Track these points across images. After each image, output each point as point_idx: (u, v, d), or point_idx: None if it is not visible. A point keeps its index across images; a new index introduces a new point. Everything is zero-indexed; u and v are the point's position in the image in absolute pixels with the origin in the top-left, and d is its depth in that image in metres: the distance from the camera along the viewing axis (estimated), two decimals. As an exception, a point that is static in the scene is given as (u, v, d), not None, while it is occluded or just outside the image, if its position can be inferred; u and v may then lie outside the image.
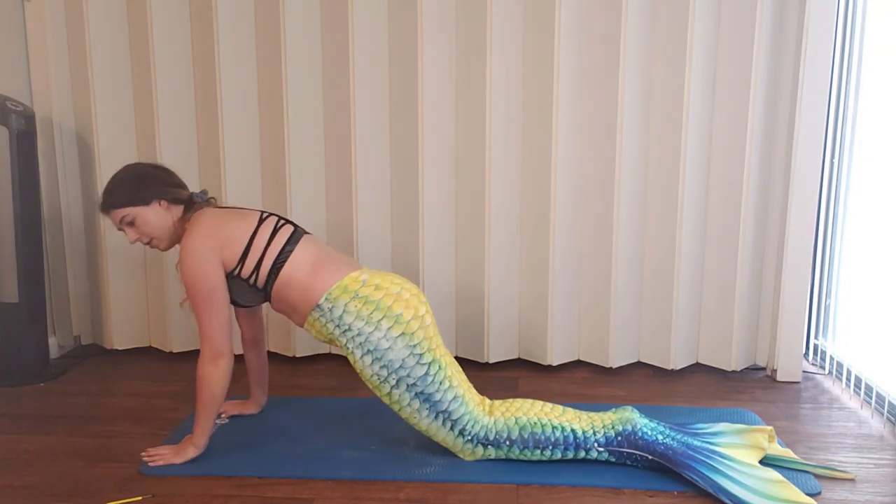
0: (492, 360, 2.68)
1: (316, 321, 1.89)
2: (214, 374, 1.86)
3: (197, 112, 2.68)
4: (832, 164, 2.62)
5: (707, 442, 1.85)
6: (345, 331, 1.85)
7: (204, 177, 2.72)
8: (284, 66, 2.54)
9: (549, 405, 1.94)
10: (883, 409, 2.24)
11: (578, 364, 2.72)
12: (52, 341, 2.75)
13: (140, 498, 1.73)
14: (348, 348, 1.86)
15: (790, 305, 2.51)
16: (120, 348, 2.84)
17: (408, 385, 1.84)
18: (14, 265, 2.49)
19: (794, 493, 1.68)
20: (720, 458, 1.78)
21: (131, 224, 1.94)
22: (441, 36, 2.51)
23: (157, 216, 1.95)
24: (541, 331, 2.64)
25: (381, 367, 1.84)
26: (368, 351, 1.84)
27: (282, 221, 1.99)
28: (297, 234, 1.97)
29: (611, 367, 2.64)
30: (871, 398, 2.32)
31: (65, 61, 2.70)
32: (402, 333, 1.83)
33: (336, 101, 2.59)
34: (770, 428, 1.93)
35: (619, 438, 1.84)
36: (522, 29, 2.51)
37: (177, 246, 2.00)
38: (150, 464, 1.89)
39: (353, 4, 2.49)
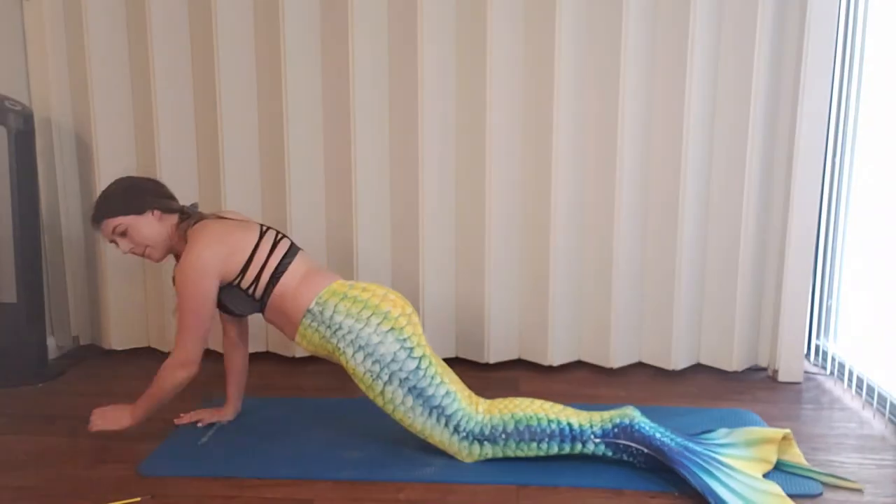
0: (492, 361, 2.68)
1: (307, 328, 1.92)
2: (175, 377, 1.92)
3: (196, 111, 2.68)
4: (833, 164, 2.61)
5: (709, 449, 1.83)
6: (335, 330, 1.88)
7: (203, 176, 2.71)
8: (284, 64, 2.53)
9: (548, 403, 1.93)
10: (885, 409, 2.23)
11: (579, 364, 2.71)
12: (51, 342, 2.75)
13: (139, 499, 1.73)
14: (340, 348, 1.88)
15: (791, 306, 2.50)
16: (118, 349, 2.83)
17: (400, 380, 1.85)
18: (12, 265, 2.48)
19: None
20: (719, 465, 1.77)
21: (124, 234, 1.96)
22: (441, 37, 2.51)
23: (150, 226, 1.97)
24: (541, 331, 2.63)
25: (374, 363, 1.85)
26: (360, 347, 1.86)
27: (280, 236, 2.04)
28: (294, 249, 2.03)
29: (611, 368, 2.63)
30: (872, 399, 2.31)
31: (63, 61, 2.69)
32: (392, 328, 1.88)
33: (335, 101, 2.58)
34: (787, 430, 1.92)
35: (616, 430, 1.84)
36: (523, 30, 2.50)
37: (170, 255, 2.05)
38: (90, 428, 1.94)
39: (353, 6, 2.49)
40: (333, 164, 2.64)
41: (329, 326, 1.89)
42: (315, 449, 1.99)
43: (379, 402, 1.89)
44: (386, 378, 1.86)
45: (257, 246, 1.96)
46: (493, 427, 1.86)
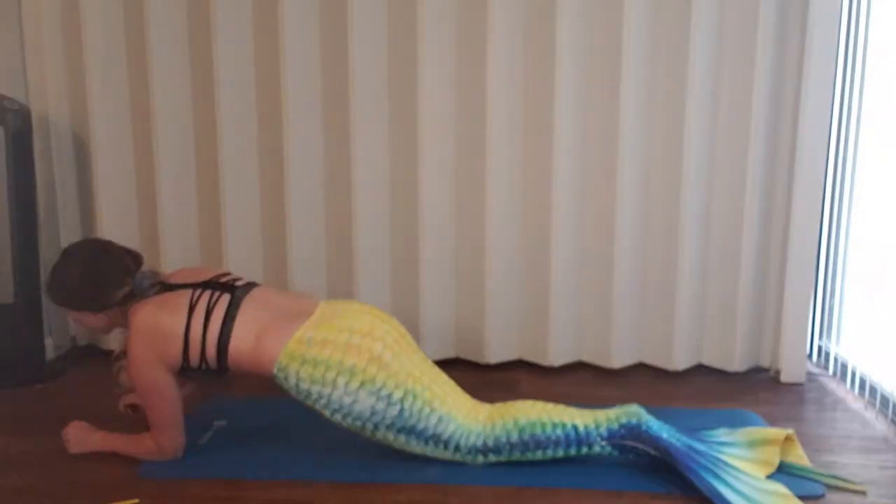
0: (492, 361, 2.66)
1: (281, 386, 1.86)
2: (153, 455, 1.90)
3: (194, 109, 2.67)
4: (836, 165, 2.60)
5: (714, 450, 1.82)
6: (306, 396, 1.82)
7: (201, 176, 2.70)
8: (282, 58, 2.52)
9: (551, 404, 1.91)
10: (888, 410, 2.22)
11: (580, 365, 2.70)
12: (49, 342, 2.73)
13: (137, 500, 1.72)
14: (318, 409, 1.84)
15: (794, 306, 2.49)
16: (116, 350, 2.81)
17: (386, 426, 1.82)
18: (9, 266, 2.47)
19: None
20: (724, 466, 1.76)
21: (73, 317, 1.98)
22: (441, 37, 2.50)
23: (88, 318, 1.94)
24: (542, 331, 2.62)
25: (354, 420, 1.82)
26: (335, 410, 1.81)
27: (217, 294, 1.89)
28: (236, 300, 1.87)
29: (613, 369, 2.62)
30: (875, 400, 2.30)
31: (61, 60, 2.68)
32: (362, 383, 1.78)
33: (335, 97, 2.57)
34: (790, 431, 1.91)
35: (623, 431, 1.82)
36: (523, 31, 2.49)
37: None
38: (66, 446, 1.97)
39: (352, 6, 2.48)
40: (333, 161, 2.63)
41: (298, 392, 1.82)
42: (314, 450, 1.98)
43: (374, 440, 1.88)
44: (372, 427, 1.83)
45: (189, 324, 1.83)
46: (496, 438, 1.84)
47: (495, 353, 2.67)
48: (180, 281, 1.95)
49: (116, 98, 2.67)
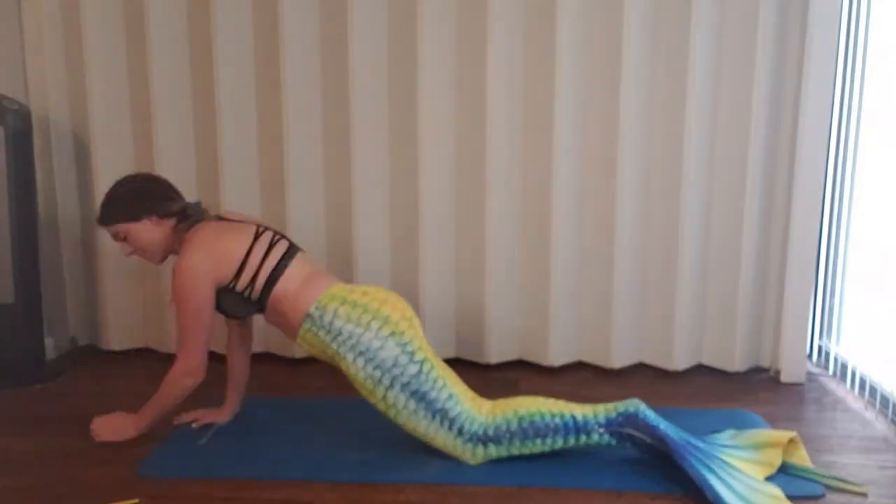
0: (493, 362, 2.67)
1: (307, 332, 1.91)
2: (182, 385, 1.96)
3: (194, 110, 2.67)
4: (836, 164, 2.60)
5: (713, 448, 1.82)
6: (336, 335, 1.87)
7: (201, 175, 2.71)
8: (282, 61, 2.52)
9: (551, 399, 1.93)
10: (888, 410, 2.22)
11: (580, 365, 2.70)
12: (49, 342, 2.72)
13: (137, 500, 1.72)
14: (340, 353, 1.87)
15: (794, 306, 2.49)
16: (116, 349, 2.82)
17: (402, 384, 1.84)
18: (9, 265, 2.47)
19: None
20: (720, 463, 1.76)
21: (125, 239, 2.00)
22: (441, 38, 2.50)
23: (148, 232, 1.99)
24: (542, 332, 2.62)
25: (375, 368, 1.85)
26: (360, 353, 1.85)
27: (277, 237, 2.03)
28: (292, 250, 2.02)
29: (613, 369, 2.62)
30: (875, 400, 2.30)
31: (61, 60, 2.68)
32: (393, 332, 1.87)
33: (335, 99, 2.58)
34: (794, 433, 1.91)
35: (621, 419, 1.83)
36: (523, 32, 2.49)
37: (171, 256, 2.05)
38: (96, 438, 2.01)
39: (353, 8, 2.48)
40: (333, 161, 2.63)
41: (329, 331, 1.88)
42: (315, 450, 1.98)
43: (381, 407, 1.88)
44: (388, 383, 1.85)
45: (251, 249, 1.95)
46: (496, 427, 1.85)
47: (495, 352, 2.67)
48: (238, 219, 2.08)
49: (116, 98, 2.68)
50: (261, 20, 2.57)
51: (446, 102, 2.55)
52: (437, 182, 2.59)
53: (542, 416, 1.85)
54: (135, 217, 1.98)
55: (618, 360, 2.61)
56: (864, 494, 1.76)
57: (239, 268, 1.93)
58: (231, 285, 1.93)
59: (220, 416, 2.16)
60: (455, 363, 2.66)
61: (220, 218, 2.08)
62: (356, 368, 1.86)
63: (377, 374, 1.85)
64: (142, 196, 2.01)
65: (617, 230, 2.52)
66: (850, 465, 1.91)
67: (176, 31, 2.61)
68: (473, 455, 1.87)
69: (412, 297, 2.61)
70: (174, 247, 2.02)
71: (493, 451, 1.87)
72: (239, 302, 1.96)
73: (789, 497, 1.69)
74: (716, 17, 2.42)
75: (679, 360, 2.58)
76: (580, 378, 2.60)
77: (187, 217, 2.03)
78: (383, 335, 1.86)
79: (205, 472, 1.86)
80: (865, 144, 2.48)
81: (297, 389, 2.47)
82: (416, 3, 2.45)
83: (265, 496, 1.76)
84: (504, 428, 1.85)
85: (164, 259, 2.06)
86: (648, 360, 2.67)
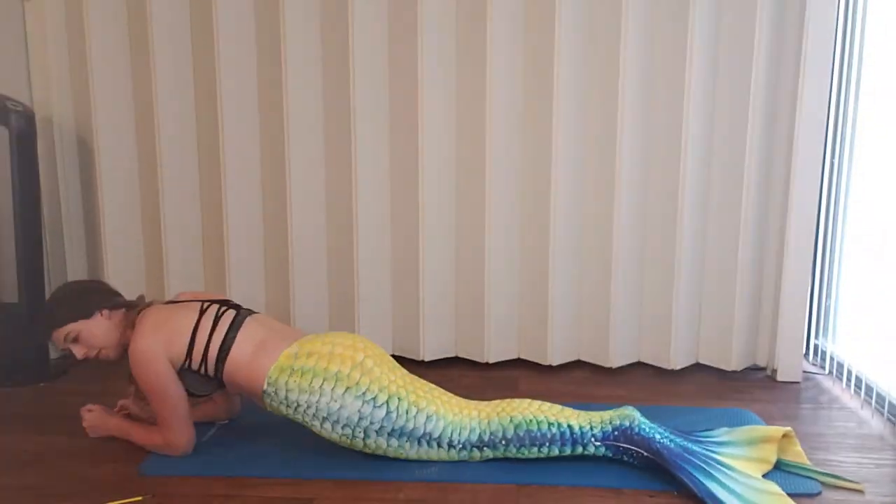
0: (492, 361, 2.68)
1: (270, 405, 1.90)
2: (165, 451, 1.93)
3: (197, 111, 2.68)
4: (832, 163, 2.62)
5: (708, 449, 1.84)
6: (296, 408, 1.86)
7: (203, 176, 2.72)
8: (284, 64, 2.54)
9: (547, 404, 1.93)
10: (883, 409, 2.24)
11: (578, 364, 2.72)
12: (52, 341, 2.75)
13: (140, 498, 1.73)
14: (307, 422, 1.87)
15: (790, 305, 2.51)
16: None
17: (376, 431, 1.84)
18: (14, 265, 2.49)
19: None
20: (717, 465, 1.77)
21: (76, 340, 1.95)
22: (441, 39, 2.51)
23: (100, 327, 1.95)
24: (541, 331, 2.64)
25: (344, 427, 1.85)
26: (324, 418, 1.84)
27: (223, 309, 1.99)
28: (240, 317, 1.97)
29: (611, 367, 2.63)
30: (871, 398, 2.32)
31: (65, 61, 2.70)
32: (347, 388, 1.84)
33: (335, 100, 2.59)
34: (788, 429, 1.92)
35: (616, 433, 1.84)
36: (523, 31, 2.51)
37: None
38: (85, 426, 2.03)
39: (353, 7, 2.49)
40: (335, 162, 2.64)
41: (288, 405, 1.86)
42: (315, 448, 1.99)
43: (368, 452, 1.89)
44: (362, 435, 1.85)
45: (197, 325, 1.91)
46: (491, 433, 1.87)
47: (495, 352, 2.68)
48: (186, 299, 2.05)
49: (120, 100, 2.69)
50: (264, 24, 2.59)
51: (447, 104, 2.56)
52: (437, 182, 2.60)
53: (539, 424, 1.86)
54: (85, 314, 1.94)
55: (616, 359, 2.63)
56: (860, 491, 1.77)
57: (188, 345, 1.89)
58: (186, 364, 1.90)
59: (223, 414, 2.18)
60: (455, 362, 2.69)
61: (167, 303, 2.07)
62: (327, 432, 1.86)
63: (348, 431, 1.85)
64: (87, 293, 2.00)
65: (615, 230, 2.54)
66: (846, 463, 1.92)
67: (179, 32, 2.62)
68: (470, 457, 1.89)
69: (412, 297, 2.64)
70: (127, 337, 1.96)
71: (490, 453, 1.88)
72: (196, 380, 1.92)
73: (787, 494, 1.71)
74: (714, 17, 2.43)
75: (676, 360, 2.60)
76: (579, 377, 2.62)
77: (135, 306, 2.02)
78: (339, 394, 1.83)
79: (206, 469, 1.87)
80: (861, 143, 2.49)
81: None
82: (416, 8, 2.46)
83: (266, 494, 1.77)
84: (500, 434, 1.86)
85: (121, 353, 1.99)
86: (646, 359, 2.68)
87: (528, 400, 1.94)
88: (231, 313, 1.98)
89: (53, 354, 2.73)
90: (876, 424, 2.18)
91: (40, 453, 1.99)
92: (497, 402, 1.95)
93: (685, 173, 2.47)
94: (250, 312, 2.03)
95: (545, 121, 2.50)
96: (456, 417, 1.88)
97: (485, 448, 1.87)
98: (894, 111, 2.31)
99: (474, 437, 1.87)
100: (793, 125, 2.42)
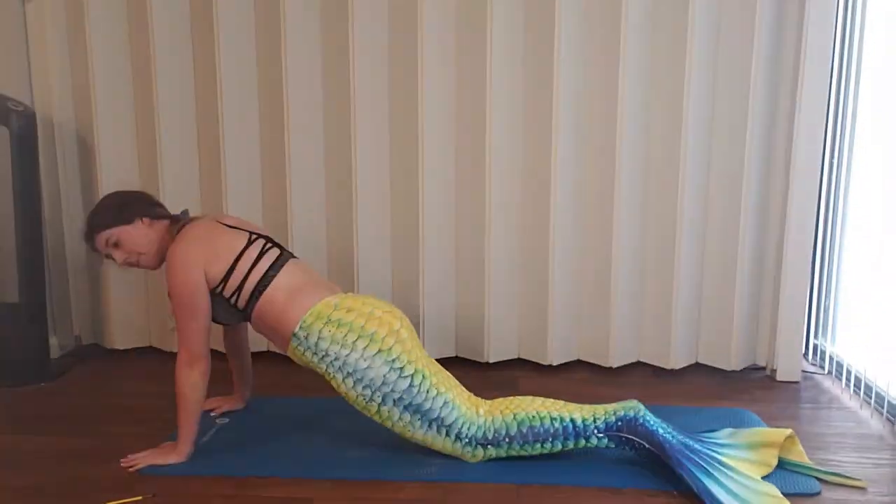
0: (492, 360, 2.68)
1: (296, 349, 1.90)
2: (191, 378, 1.86)
3: (197, 111, 2.68)
4: (832, 163, 2.62)
5: (710, 449, 1.84)
6: (323, 356, 1.86)
7: (204, 175, 2.72)
8: (284, 62, 2.54)
9: (550, 400, 1.93)
10: (882, 408, 2.24)
11: (578, 364, 2.72)
12: (53, 341, 2.75)
13: (141, 497, 1.74)
14: (329, 374, 1.87)
15: (790, 305, 2.51)
16: (120, 348, 2.84)
17: (394, 400, 1.85)
18: (14, 265, 2.49)
19: None
20: (718, 466, 1.77)
21: (116, 245, 1.96)
22: (441, 40, 2.51)
23: (141, 234, 1.97)
24: (541, 331, 2.64)
25: (364, 387, 1.85)
26: (349, 373, 1.84)
27: (269, 245, 1.99)
28: (283, 258, 1.98)
29: (611, 367, 2.64)
30: (870, 398, 2.32)
31: (65, 61, 2.70)
32: (379, 350, 1.84)
33: (336, 102, 2.59)
34: (790, 431, 1.92)
35: (620, 423, 1.85)
36: (523, 31, 2.51)
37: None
38: (129, 469, 1.87)
39: (354, 9, 2.50)
40: (335, 164, 2.65)
41: (315, 352, 1.86)
42: (315, 448, 2.00)
43: (377, 419, 1.90)
44: (379, 400, 1.85)
45: (242, 252, 1.92)
46: (495, 431, 1.87)
47: (495, 351, 2.69)
48: (233, 224, 2.03)
49: (120, 99, 2.69)
50: (264, 24, 2.59)
51: (447, 104, 2.56)
52: (437, 182, 2.60)
53: (542, 420, 1.86)
54: (126, 220, 1.96)
55: (616, 359, 2.63)
56: (863, 488, 1.78)
57: (228, 270, 1.90)
58: (219, 288, 1.90)
59: (233, 403, 2.24)
60: (454, 362, 2.69)
61: (213, 221, 2.06)
62: (346, 388, 1.86)
63: (367, 392, 1.85)
64: (130, 202, 2.02)
65: (615, 230, 2.54)
66: (846, 462, 1.93)
67: (179, 32, 2.62)
68: (473, 456, 1.89)
69: (412, 297, 2.64)
70: (168, 247, 1.96)
71: (493, 452, 1.88)
72: (224, 307, 1.93)
73: (787, 494, 1.71)
74: (714, 17, 2.43)
75: (676, 359, 2.60)
76: (578, 377, 2.62)
77: (178, 220, 2.04)
78: (370, 354, 1.83)
79: (206, 469, 1.87)
80: (860, 144, 2.49)
81: (297, 389, 2.48)
82: (417, 9, 2.46)
83: (266, 494, 1.77)
84: (503, 432, 1.86)
85: (159, 263, 2.00)
86: (646, 359, 2.68)
87: (531, 397, 1.95)
88: (275, 252, 1.98)
89: (54, 354, 2.74)
90: (875, 424, 2.18)
91: (40, 453, 1.99)
92: (500, 399, 1.95)
93: (685, 173, 2.48)
94: (292, 255, 2.03)
95: (545, 121, 2.50)
96: (469, 411, 1.89)
97: (489, 446, 1.87)
98: (894, 111, 2.32)
99: (479, 434, 1.87)
100: (792, 125, 2.42)
